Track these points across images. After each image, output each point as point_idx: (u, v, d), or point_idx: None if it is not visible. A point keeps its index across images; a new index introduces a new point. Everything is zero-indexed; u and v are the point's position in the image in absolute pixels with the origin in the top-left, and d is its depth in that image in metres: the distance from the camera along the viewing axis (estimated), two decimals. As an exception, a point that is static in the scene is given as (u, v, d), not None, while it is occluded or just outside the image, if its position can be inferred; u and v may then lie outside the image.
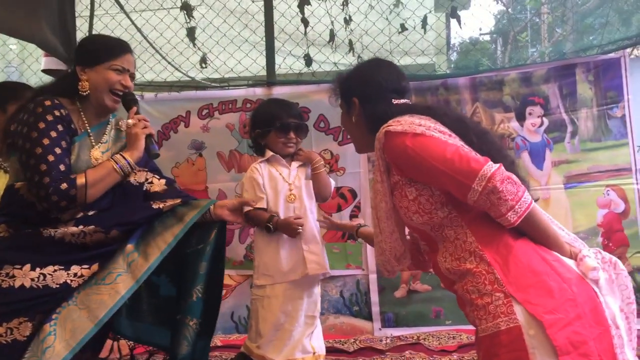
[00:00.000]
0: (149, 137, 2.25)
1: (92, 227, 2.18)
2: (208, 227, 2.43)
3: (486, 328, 1.44)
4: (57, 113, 2.13)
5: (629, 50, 3.51)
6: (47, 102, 2.13)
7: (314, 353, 2.63)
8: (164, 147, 3.74)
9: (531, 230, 1.51)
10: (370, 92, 1.78)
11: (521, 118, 3.53)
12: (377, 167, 1.68)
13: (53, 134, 2.09)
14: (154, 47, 4.31)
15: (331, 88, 1.98)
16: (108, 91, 2.22)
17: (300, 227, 2.57)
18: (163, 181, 2.45)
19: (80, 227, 2.16)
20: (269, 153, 2.74)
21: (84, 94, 2.20)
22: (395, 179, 1.64)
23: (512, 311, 1.39)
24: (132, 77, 2.29)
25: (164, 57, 4.30)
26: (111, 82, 2.21)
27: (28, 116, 2.12)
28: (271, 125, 2.73)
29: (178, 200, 2.36)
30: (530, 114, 3.52)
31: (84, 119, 2.25)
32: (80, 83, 2.20)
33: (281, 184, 2.69)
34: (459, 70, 6.43)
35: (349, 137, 1.92)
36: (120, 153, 2.20)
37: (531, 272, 1.44)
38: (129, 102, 2.32)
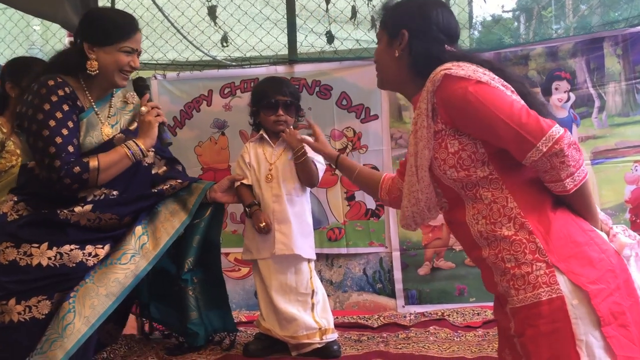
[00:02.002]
0: (161, 125, 2.27)
1: (108, 214, 2.26)
2: (205, 204, 2.59)
3: (524, 298, 1.40)
4: (61, 92, 2.14)
5: (658, 23, 3.43)
6: (51, 82, 2.13)
7: (320, 328, 2.66)
8: (186, 126, 3.77)
9: (578, 201, 1.46)
10: (425, 28, 1.61)
11: (547, 93, 3.47)
12: (421, 112, 1.53)
13: (59, 114, 2.11)
14: (175, 27, 4.31)
15: (377, 12, 1.79)
16: (118, 71, 2.22)
17: (263, 228, 2.63)
18: (163, 162, 2.56)
19: (97, 212, 2.23)
20: (261, 132, 2.82)
21: (93, 73, 2.20)
22: (438, 127, 1.52)
23: (555, 281, 1.36)
24: (139, 54, 2.30)
25: (185, 37, 4.30)
26: (121, 65, 2.22)
27: (32, 97, 2.13)
28: (260, 103, 2.77)
29: (178, 182, 2.50)
30: (556, 89, 3.46)
31: (89, 96, 2.26)
32: (88, 62, 2.19)
33: (264, 164, 2.76)
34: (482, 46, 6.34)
35: (377, 72, 1.76)
36: (134, 139, 2.22)
37: (572, 242, 1.41)
38: (141, 88, 2.35)
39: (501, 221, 1.47)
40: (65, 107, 2.14)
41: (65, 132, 2.11)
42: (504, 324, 1.53)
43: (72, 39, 3.65)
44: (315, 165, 2.72)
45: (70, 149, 2.11)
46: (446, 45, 1.61)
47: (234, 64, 3.97)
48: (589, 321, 1.32)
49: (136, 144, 2.21)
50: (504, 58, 3.52)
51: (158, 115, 2.28)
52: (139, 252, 2.30)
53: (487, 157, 1.49)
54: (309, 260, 2.75)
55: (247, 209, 2.72)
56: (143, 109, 2.27)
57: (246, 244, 2.80)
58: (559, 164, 1.38)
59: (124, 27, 2.23)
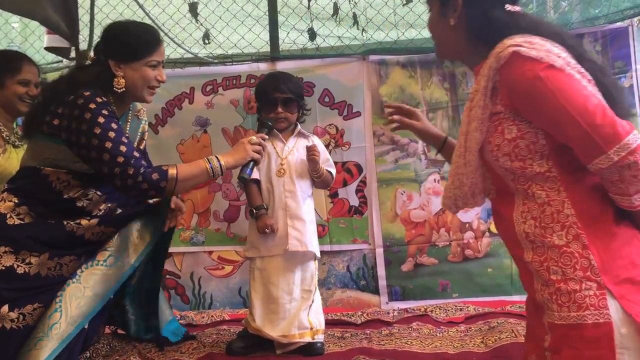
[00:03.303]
0: (253, 161, 2.23)
1: (111, 228, 2.30)
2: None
3: (567, 317, 1.26)
4: (110, 109, 2.12)
5: (636, 19, 3.46)
6: (98, 99, 2.09)
7: (311, 328, 2.66)
8: (168, 124, 3.75)
9: None
10: None
11: (528, 90, 3.49)
12: (480, 89, 1.36)
13: (114, 125, 2.09)
14: (156, 24, 4.25)
15: None
16: (146, 87, 2.21)
17: (267, 230, 2.62)
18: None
19: (102, 226, 2.25)
20: None
21: (119, 90, 2.17)
22: (496, 109, 1.35)
23: (605, 305, 1.22)
24: (163, 65, 2.28)
25: (166, 34, 4.26)
26: (149, 80, 2.20)
27: (80, 112, 2.06)
28: (261, 101, 2.79)
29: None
30: (537, 85, 3.48)
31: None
32: (115, 80, 2.16)
33: (274, 158, 2.74)
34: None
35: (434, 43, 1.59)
36: (217, 155, 2.17)
37: (631, 264, 1.26)
38: (265, 127, 2.43)
39: (553, 227, 1.31)
40: (116, 120, 2.12)
41: (125, 140, 2.08)
42: (538, 332, 1.40)
43: (51, 36, 3.64)
44: (329, 171, 2.79)
45: (137, 154, 2.08)
46: (507, 5, 1.41)
47: (215, 61, 3.94)
48: (635, 354, 1.20)
49: (218, 159, 2.15)
50: (485, 55, 3.53)
51: (258, 152, 2.24)
52: (122, 255, 2.32)
53: (548, 150, 1.32)
54: (315, 258, 2.78)
55: (253, 210, 2.70)
56: (254, 138, 2.25)
57: (252, 240, 2.77)
58: (630, 178, 1.22)
59: (149, 40, 2.20)
